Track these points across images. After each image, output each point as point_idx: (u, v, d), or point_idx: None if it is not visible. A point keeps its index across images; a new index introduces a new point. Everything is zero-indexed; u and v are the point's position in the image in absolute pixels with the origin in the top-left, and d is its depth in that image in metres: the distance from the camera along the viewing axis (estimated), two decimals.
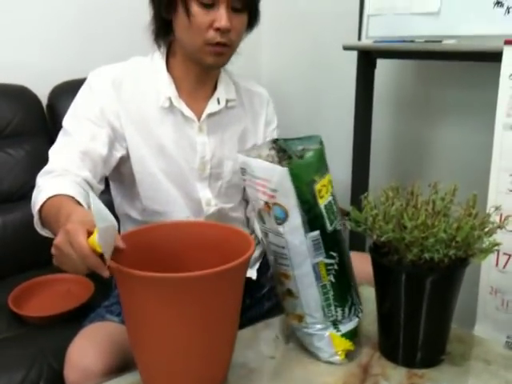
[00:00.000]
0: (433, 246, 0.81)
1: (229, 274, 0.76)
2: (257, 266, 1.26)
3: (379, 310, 0.92)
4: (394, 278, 0.87)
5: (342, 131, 1.81)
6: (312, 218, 0.85)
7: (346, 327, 0.92)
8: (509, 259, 1.06)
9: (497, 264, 1.08)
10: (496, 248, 0.81)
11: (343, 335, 0.92)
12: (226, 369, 0.85)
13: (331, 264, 0.88)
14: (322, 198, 0.85)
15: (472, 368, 0.90)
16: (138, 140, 1.11)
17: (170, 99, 1.11)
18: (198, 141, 1.14)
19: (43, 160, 1.66)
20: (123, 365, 0.95)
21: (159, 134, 1.12)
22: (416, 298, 0.86)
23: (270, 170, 0.85)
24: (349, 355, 0.92)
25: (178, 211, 1.14)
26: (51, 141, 1.79)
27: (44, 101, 1.75)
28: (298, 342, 0.96)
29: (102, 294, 1.35)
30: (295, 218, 0.85)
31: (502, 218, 1.04)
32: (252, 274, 1.23)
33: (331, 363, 0.91)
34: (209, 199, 1.17)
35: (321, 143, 0.90)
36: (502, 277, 1.08)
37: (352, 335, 0.93)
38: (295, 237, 0.86)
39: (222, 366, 0.84)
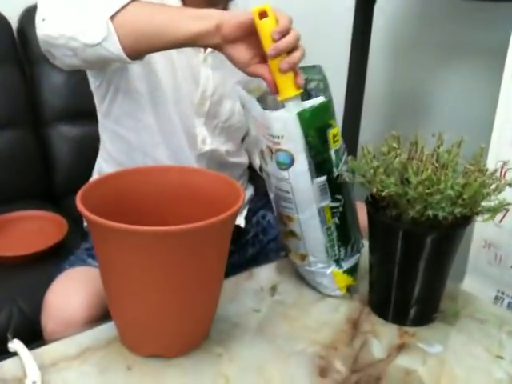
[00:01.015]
0: (438, 204, 0.75)
1: (213, 228, 0.70)
2: (245, 212, 1.20)
3: (371, 265, 0.88)
4: (391, 234, 0.81)
5: (335, 75, 1.71)
6: (320, 163, 0.81)
7: (347, 263, 0.90)
8: (506, 214, 1.01)
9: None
10: (506, 207, 0.76)
11: (345, 271, 0.90)
12: (208, 324, 0.80)
13: (336, 207, 0.84)
14: (335, 143, 0.80)
15: (464, 327, 0.86)
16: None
17: None
18: (202, 73, 1.04)
19: (14, 90, 1.56)
20: (108, 314, 0.89)
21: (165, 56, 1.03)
22: (413, 256, 0.81)
23: (274, 118, 0.78)
24: (350, 289, 0.91)
25: (176, 136, 1.06)
26: (22, 70, 1.69)
27: (14, 25, 1.60)
28: (283, 294, 0.92)
29: (76, 233, 1.28)
30: (301, 163, 0.80)
31: (503, 172, 0.99)
32: (240, 221, 1.18)
33: (333, 297, 0.91)
34: (204, 137, 1.08)
35: (323, 73, 0.84)
36: (497, 231, 1.03)
37: (353, 270, 0.92)
38: (301, 182, 0.81)
39: (204, 321, 0.79)
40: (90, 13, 0.79)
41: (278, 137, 0.78)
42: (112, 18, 0.78)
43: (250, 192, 1.25)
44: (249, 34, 0.76)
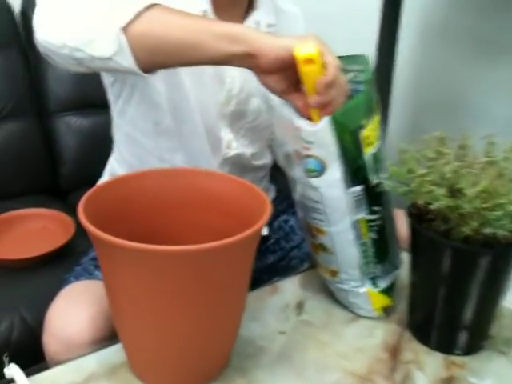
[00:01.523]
0: (497, 220, 0.65)
1: (237, 246, 0.60)
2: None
3: (413, 283, 0.78)
4: (438, 251, 0.71)
5: None
6: (354, 171, 0.70)
7: (384, 282, 0.80)
8: None
9: None
10: None
11: (382, 291, 0.80)
12: (228, 352, 0.71)
13: (374, 220, 0.74)
14: (368, 145, 0.70)
15: None
16: None
17: (204, 12, 0.90)
18: (228, 70, 0.94)
19: (16, 78, 1.47)
20: (115, 334, 0.80)
21: None
22: (464, 276, 0.71)
23: (305, 122, 0.69)
24: (387, 310, 0.82)
25: (197, 141, 0.95)
26: (25, 56, 1.59)
27: (17, 7, 1.50)
28: (310, 313, 0.82)
29: (84, 235, 1.19)
30: (334, 171, 0.70)
31: None
32: (263, 228, 1.07)
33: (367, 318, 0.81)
34: (230, 140, 0.97)
35: (366, 63, 0.74)
36: None
37: (391, 290, 0.82)
38: (333, 192, 0.71)
39: (224, 350, 0.70)
40: (99, 20, 0.67)
41: (308, 142, 0.68)
42: (125, 28, 0.67)
43: (271, 194, 1.15)
44: (287, 68, 0.67)
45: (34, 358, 0.81)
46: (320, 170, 0.70)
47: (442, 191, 0.67)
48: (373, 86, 0.73)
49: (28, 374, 0.68)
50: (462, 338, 0.75)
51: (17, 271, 1.11)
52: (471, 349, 0.76)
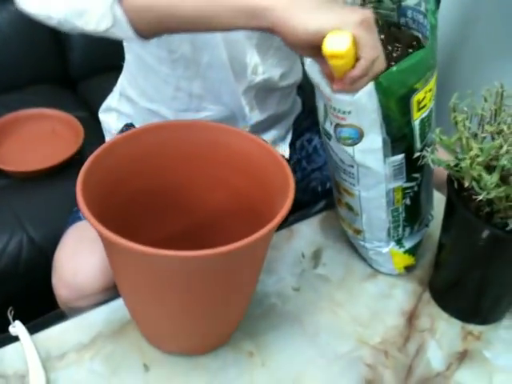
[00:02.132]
0: None
1: (252, 246, 0.54)
2: (289, 138, 1.02)
3: (441, 244, 0.72)
4: (475, 233, 0.64)
5: None
6: (398, 139, 0.62)
7: (411, 242, 0.75)
8: None
9: None
10: None
11: (406, 251, 0.75)
12: (240, 317, 0.68)
13: (411, 187, 0.67)
14: (419, 110, 0.61)
15: None
16: None
17: None
18: None
19: None
20: None
21: None
22: (499, 261, 0.65)
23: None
24: (409, 269, 0.77)
25: (219, 69, 0.84)
26: None
27: None
28: (327, 266, 0.78)
29: (93, 143, 1.12)
30: (373, 140, 0.61)
31: None
32: (284, 149, 1.00)
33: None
34: (256, 65, 0.86)
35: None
36: None
37: (416, 249, 0.76)
38: (370, 160, 0.64)
39: (234, 321, 0.67)
40: None
41: (344, 112, 0.59)
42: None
43: (297, 110, 1.05)
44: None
45: (44, 278, 0.81)
46: (356, 138, 0.61)
47: (494, 179, 0.58)
48: (435, 31, 0.61)
49: (33, 331, 0.67)
50: (484, 308, 0.72)
51: (23, 182, 1.06)
52: (491, 319, 0.73)
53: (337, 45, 0.52)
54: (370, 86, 0.57)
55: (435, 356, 0.68)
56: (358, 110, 0.58)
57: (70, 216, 0.85)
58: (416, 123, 0.62)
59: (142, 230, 0.67)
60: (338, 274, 0.78)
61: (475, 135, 0.62)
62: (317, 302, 0.74)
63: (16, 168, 1.06)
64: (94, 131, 1.10)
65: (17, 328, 0.66)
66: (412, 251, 0.75)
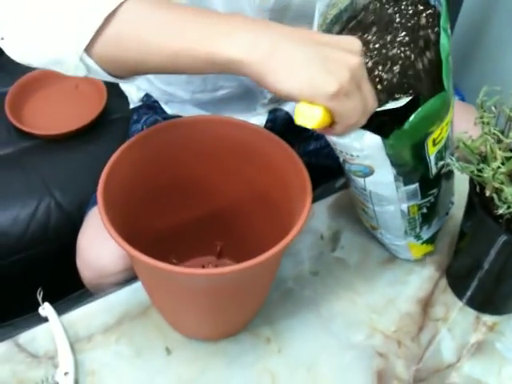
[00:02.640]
0: None
1: (271, 259, 0.55)
2: None
3: (462, 232, 0.72)
4: (493, 237, 0.63)
5: None
6: (410, 172, 0.60)
7: (429, 233, 0.74)
8: None
9: None
10: None
11: (424, 242, 0.75)
12: (259, 307, 0.70)
13: (427, 201, 0.67)
14: (435, 145, 0.58)
15: None
16: None
17: None
18: None
19: None
20: None
21: None
22: None
23: (353, 135, 0.55)
24: (427, 255, 0.78)
25: None
26: None
27: None
28: (346, 249, 0.79)
29: (117, 98, 1.12)
30: (384, 175, 0.60)
31: None
32: None
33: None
34: None
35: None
36: None
37: (435, 237, 0.76)
38: (381, 190, 0.62)
39: (255, 307, 0.69)
40: (59, 36, 0.51)
41: (352, 155, 0.57)
42: (87, 49, 0.51)
43: None
44: None
45: (72, 244, 0.84)
46: (366, 173, 0.60)
47: None
48: (449, 56, 0.56)
49: (61, 312, 0.70)
50: (500, 298, 0.72)
51: (48, 143, 1.07)
52: (506, 309, 0.74)
53: (305, 119, 0.49)
54: (378, 141, 0.54)
55: (447, 347, 0.70)
56: (366, 156, 0.57)
57: (92, 197, 0.87)
58: (432, 157, 0.60)
59: (160, 220, 0.69)
60: (356, 258, 0.79)
61: (499, 141, 0.60)
62: (334, 287, 0.75)
63: (41, 131, 1.06)
64: (115, 92, 1.09)
65: (46, 310, 0.70)
66: (430, 241, 0.75)
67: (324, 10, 0.62)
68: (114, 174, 0.60)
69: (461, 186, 0.70)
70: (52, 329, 0.68)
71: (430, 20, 0.61)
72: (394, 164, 0.58)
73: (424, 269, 0.78)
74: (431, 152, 0.59)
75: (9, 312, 0.91)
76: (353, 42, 0.52)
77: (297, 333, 0.71)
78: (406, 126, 0.54)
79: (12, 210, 0.98)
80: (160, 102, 1.00)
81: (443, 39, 0.56)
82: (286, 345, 0.70)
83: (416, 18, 0.61)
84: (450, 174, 0.70)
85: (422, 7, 0.62)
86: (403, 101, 0.55)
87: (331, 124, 0.51)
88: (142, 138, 0.63)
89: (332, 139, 0.58)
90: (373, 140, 0.54)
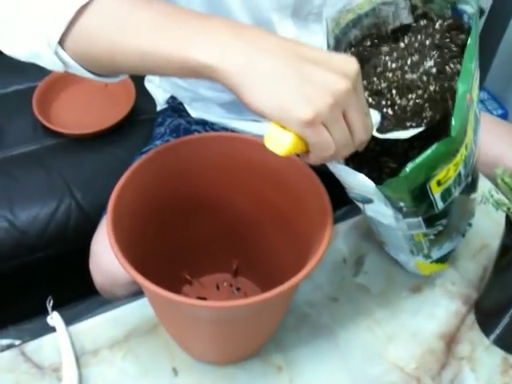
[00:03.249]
0: None
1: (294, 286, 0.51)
2: None
3: (496, 271, 0.67)
4: None
5: None
6: (411, 212, 0.56)
7: (440, 253, 0.69)
8: None
9: None
10: None
11: (434, 261, 0.70)
12: (272, 332, 0.67)
13: (434, 230, 0.62)
14: (440, 185, 0.54)
15: None
16: None
17: None
18: None
19: None
20: None
21: None
22: None
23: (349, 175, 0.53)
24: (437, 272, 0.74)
25: None
26: None
27: None
28: (369, 275, 0.75)
29: (145, 105, 1.10)
30: (383, 207, 0.55)
31: None
32: None
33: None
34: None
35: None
36: None
37: (447, 257, 0.71)
38: (381, 218, 0.58)
39: (269, 332, 0.66)
40: (34, 29, 0.50)
41: (349, 187, 0.54)
42: (61, 42, 0.49)
43: None
44: None
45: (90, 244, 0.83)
46: (366, 201, 0.56)
47: None
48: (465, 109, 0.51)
49: (70, 321, 0.69)
50: None
51: (72, 143, 1.06)
52: None
53: (274, 144, 0.44)
54: (372, 186, 0.51)
55: None
56: (363, 191, 0.53)
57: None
58: (437, 196, 0.55)
59: (175, 236, 0.67)
60: (379, 285, 0.75)
61: None
62: (354, 316, 0.72)
63: (67, 130, 1.05)
64: (144, 93, 1.07)
65: (54, 319, 0.68)
66: (442, 260, 0.70)
67: (336, 16, 0.59)
68: (124, 193, 0.57)
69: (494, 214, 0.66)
70: (58, 340, 0.67)
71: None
72: (392, 204, 0.54)
73: (451, 302, 0.73)
74: (435, 191, 0.54)
75: (27, 309, 0.91)
76: (348, 63, 0.45)
77: (310, 363, 0.67)
78: (402, 174, 0.49)
79: (32, 209, 0.97)
80: (184, 104, 0.98)
81: (464, 74, 0.51)
82: (298, 375, 0.66)
83: (448, 45, 0.57)
84: (467, 199, 0.65)
85: (455, 31, 0.57)
86: (411, 132, 0.51)
87: (307, 151, 0.46)
88: (156, 154, 0.60)
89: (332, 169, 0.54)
90: (367, 183, 0.51)
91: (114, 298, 0.82)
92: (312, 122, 0.42)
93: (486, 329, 0.70)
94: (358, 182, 0.53)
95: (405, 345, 0.69)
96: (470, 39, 0.52)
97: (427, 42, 0.58)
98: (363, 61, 0.59)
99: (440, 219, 0.60)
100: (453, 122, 0.49)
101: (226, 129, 0.95)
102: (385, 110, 0.54)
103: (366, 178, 0.52)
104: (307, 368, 0.67)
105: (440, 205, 0.57)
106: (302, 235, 0.61)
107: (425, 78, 0.55)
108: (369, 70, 0.58)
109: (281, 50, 0.44)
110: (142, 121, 1.11)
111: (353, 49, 0.62)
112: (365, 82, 0.57)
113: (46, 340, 0.68)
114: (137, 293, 0.74)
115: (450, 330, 0.71)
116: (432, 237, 0.63)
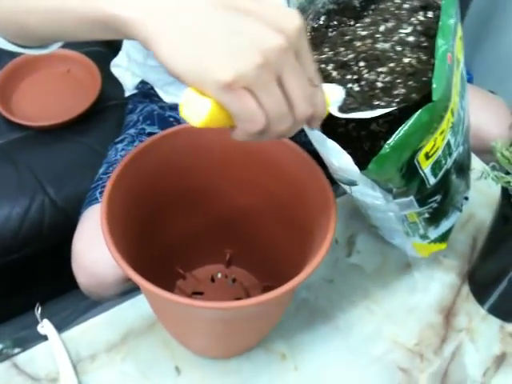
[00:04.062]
0: None
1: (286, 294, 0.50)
2: None
3: (488, 246, 0.68)
4: None
5: None
6: (402, 192, 0.54)
7: (437, 233, 0.67)
8: None
9: None
10: None
11: (432, 241, 0.68)
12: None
13: (428, 208, 0.60)
14: (429, 158, 0.51)
15: None
16: None
17: None
18: None
19: None
20: None
21: None
22: None
23: (331, 151, 0.49)
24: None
25: None
26: None
27: None
28: (361, 254, 0.75)
29: (112, 90, 1.05)
30: (368, 189, 0.53)
31: None
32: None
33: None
34: None
35: None
36: None
37: (446, 236, 0.69)
38: (370, 200, 0.56)
39: (272, 324, 0.65)
40: None
41: (333, 166, 0.51)
42: None
43: None
44: None
45: (69, 241, 0.79)
46: (351, 183, 0.53)
47: None
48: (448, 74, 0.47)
49: (60, 328, 0.66)
50: None
51: (40, 135, 1.01)
52: None
53: (189, 111, 0.37)
54: (356, 170, 0.48)
55: (472, 360, 0.67)
56: (347, 173, 0.51)
57: (87, 195, 0.81)
58: (427, 170, 0.52)
59: (167, 229, 0.64)
60: (373, 264, 0.74)
61: None
62: (351, 296, 0.71)
63: (33, 122, 1.00)
64: (110, 78, 1.02)
65: (45, 328, 0.65)
66: (440, 239, 0.69)
67: None
68: (117, 188, 0.54)
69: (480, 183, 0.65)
70: (53, 348, 0.64)
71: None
72: (381, 187, 0.51)
73: (445, 275, 0.74)
74: (425, 166, 0.51)
75: (6, 312, 0.87)
76: (288, 16, 0.37)
77: (313, 347, 0.67)
78: (383, 152, 0.45)
79: (4, 209, 0.92)
80: (156, 88, 0.94)
81: (443, 30, 0.46)
82: (302, 361, 0.66)
83: (421, 13, 0.53)
84: (462, 172, 0.64)
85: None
86: (378, 112, 0.46)
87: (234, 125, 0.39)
88: (146, 147, 0.57)
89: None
90: (350, 167, 0.48)
91: (100, 298, 0.80)
92: (231, 85, 0.35)
93: (481, 298, 0.71)
94: (341, 163, 0.49)
95: (404, 321, 0.69)
96: None
97: (405, 5, 0.53)
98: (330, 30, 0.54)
99: (433, 196, 0.58)
100: (434, 85, 0.45)
101: None
102: (350, 85, 0.49)
103: (351, 160, 0.48)
104: (310, 353, 0.66)
105: (432, 180, 0.55)
106: (302, 224, 0.60)
107: (399, 49, 0.50)
108: (336, 38, 0.53)
109: (207, 2, 0.37)
110: (110, 107, 1.06)
111: (323, 17, 0.56)
112: (331, 53, 0.52)
113: (38, 349, 0.65)
114: (126, 291, 0.72)
115: (446, 303, 0.71)
116: (427, 215, 0.61)
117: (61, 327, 0.66)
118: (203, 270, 0.72)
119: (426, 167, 0.52)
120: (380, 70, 0.49)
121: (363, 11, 0.56)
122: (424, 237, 0.67)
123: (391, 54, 0.49)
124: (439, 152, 0.52)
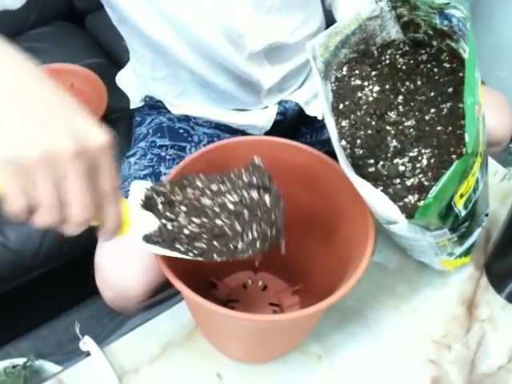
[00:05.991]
0: None
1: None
2: None
3: (505, 236, 0.71)
4: None
5: None
6: (438, 227, 0.58)
7: (462, 248, 0.70)
8: None
9: None
10: None
11: (457, 257, 0.71)
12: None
13: (458, 233, 0.64)
14: (463, 197, 0.56)
15: None
16: None
17: None
18: None
19: None
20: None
21: None
22: None
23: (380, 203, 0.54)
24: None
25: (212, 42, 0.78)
26: None
27: None
28: (384, 252, 0.77)
29: (117, 102, 1.06)
30: (408, 227, 0.56)
31: None
32: (316, 112, 0.95)
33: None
34: (253, 32, 0.79)
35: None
36: None
37: (470, 250, 0.73)
38: (406, 233, 0.58)
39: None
40: None
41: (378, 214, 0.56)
42: None
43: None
44: None
45: (91, 253, 0.81)
46: (390, 222, 0.56)
47: None
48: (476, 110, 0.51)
49: (101, 342, 0.68)
50: None
51: None
52: None
53: None
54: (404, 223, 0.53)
55: (496, 348, 0.70)
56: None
57: None
58: (460, 207, 0.57)
59: None
60: (395, 262, 0.77)
61: None
62: (377, 294, 0.74)
63: None
64: (114, 89, 1.03)
65: (87, 344, 0.67)
66: (464, 254, 0.72)
67: (324, 41, 0.58)
68: None
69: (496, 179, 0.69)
70: (96, 363, 0.66)
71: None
72: (420, 227, 0.56)
73: (463, 268, 0.77)
74: (459, 204, 0.56)
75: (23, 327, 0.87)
76: (97, 135, 0.41)
77: (347, 347, 0.69)
78: (427, 201, 0.50)
79: (22, 227, 0.93)
80: (163, 102, 0.95)
81: (468, 87, 0.50)
82: (337, 361, 0.68)
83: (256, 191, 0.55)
84: (483, 194, 0.66)
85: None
86: (174, 254, 0.52)
87: None
88: (185, 164, 0.59)
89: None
90: (396, 216, 0.53)
91: (125, 310, 0.81)
92: (12, 163, 0.39)
93: (499, 288, 0.75)
94: (386, 212, 0.54)
95: (429, 316, 0.73)
96: (468, 47, 0.52)
97: (245, 179, 0.55)
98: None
99: (463, 223, 0.62)
100: (466, 138, 0.49)
101: (209, 122, 0.94)
102: (164, 221, 0.52)
103: (399, 211, 0.52)
104: (344, 352, 0.69)
105: (463, 212, 0.59)
106: (336, 236, 0.63)
107: (217, 210, 0.53)
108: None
109: (22, 91, 0.41)
110: (116, 119, 1.08)
111: (345, 67, 0.62)
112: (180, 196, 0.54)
113: (81, 366, 0.67)
114: (154, 303, 0.74)
115: (467, 295, 0.75)
116: (456, 239, 0.65)
117: (99, 342, 0.68)
118: (233, 278, 0.74)
119: (460, 205, 0.56)
120: (194, 219, 0.53)
121: (380, 57, 0.62)
122: (451, 254, 0.70)
123: (209, 211, 0.53)
124: (470, 190, 0.56)
